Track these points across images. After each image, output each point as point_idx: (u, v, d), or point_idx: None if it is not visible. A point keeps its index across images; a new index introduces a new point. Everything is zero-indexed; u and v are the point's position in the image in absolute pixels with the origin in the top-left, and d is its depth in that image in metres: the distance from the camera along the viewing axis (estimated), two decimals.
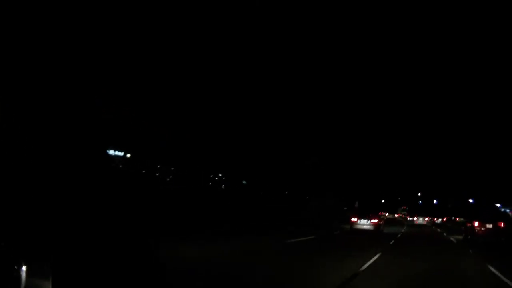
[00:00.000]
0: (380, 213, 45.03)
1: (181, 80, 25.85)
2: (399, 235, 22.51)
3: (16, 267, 2.28)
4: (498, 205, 38.21)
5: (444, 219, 73.74)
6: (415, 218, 68.11)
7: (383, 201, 78.29)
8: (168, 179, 36.49)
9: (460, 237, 25.03)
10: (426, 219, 67.97)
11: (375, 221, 25.31)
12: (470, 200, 50.05)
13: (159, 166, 37.38)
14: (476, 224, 21.52)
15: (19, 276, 2.29)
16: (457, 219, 62.10)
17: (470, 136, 38.82)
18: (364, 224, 24.84)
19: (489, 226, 20.95)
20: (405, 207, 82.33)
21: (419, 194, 79.07)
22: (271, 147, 35.44)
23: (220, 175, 43.78)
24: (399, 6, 24.48)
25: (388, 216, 64.69)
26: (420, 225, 54.92)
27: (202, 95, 27.67)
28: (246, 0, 21.78)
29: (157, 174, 36.72)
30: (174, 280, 7.30)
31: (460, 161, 45.16)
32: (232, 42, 24.95)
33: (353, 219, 25.70)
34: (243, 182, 43.86)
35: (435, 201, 76.01)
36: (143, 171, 33.56)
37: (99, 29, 17.94)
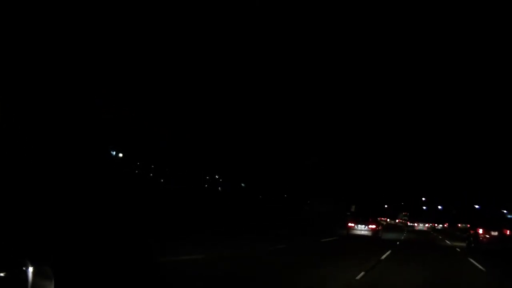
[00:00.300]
0: (379, 218, 43.84)
1: (181, 80, 25.86)
2: (385, 255, 14.98)
3: (24, 269, 2.33)
4: (505, 211, 37.06)
5: (445, 225, 73.30)
6: (416, 224, 67.93)
7: (386, 206, 77.47)
8: (162, 180, 35.85)
9: (463, 244, 23.94)
10: (427, 225, 67.56)
11: (373, 226, 24.16)
12: (476, 206, 48.36)
13: (152, 166, 36.69)
14: (480, 231, 20.50)
15: (27, 277, 2.33)
16: (459, 225, 61.40)
17: (477, 140, 38.04)
18: (362, 229, 23.77)
19: (495, 233, 19.98)
20: (406, 213, 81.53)
21: (423, 199, 77.13)
22: (271, 148, 35.37)
23: (216, 176, 42.87)
24: (399, 6, 24.50)
25: (389, 222, 64.06)
26: (421, 231, 54.35)
27: (201, 95, 27.68)
28: (246, 0, 21.79)
29: (151, 174, 36.03)
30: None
31: (466, 166, 44.00)
32: (232, 42, 24.97)
33: (349, 224, 24.55)
34: (242, 184, 42.95)
35: (439, 207, 74.28)
36: (136, 171, 32.93)
37: (99, 30, 17.94)
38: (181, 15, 21.46)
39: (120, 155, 29.69)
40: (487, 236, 20.06)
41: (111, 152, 27.09)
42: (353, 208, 41.41)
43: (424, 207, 79.72)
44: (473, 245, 21.03)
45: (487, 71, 31.41)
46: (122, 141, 26.64)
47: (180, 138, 30.18)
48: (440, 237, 37.12)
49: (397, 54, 31.63)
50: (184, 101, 27.11)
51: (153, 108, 25.79)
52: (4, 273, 2.21)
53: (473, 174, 43.89)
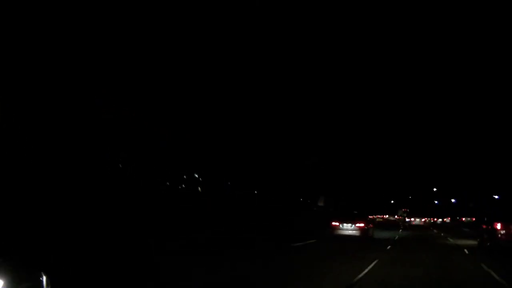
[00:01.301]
0: (377, 216, 41.13)
1: (181, 80, 25.82)
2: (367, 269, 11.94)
3: (41, 279, 2.58)
4: None
5: (445, 220, 73.02)
6: (412, 219, 69.52)
7: (392, 201, 77.12)
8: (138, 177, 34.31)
9: (474, 242, 20.26)
10: (423, 220, 69.03)
11: (361, 225, 21.85)
12: (496, 196, 43.16)
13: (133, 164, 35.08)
14: (498, 225, 16.85)
15: (43, 286, 2.57)
16: (463, 219, 60.79)
17: (493, 129, 36.23)
18: (348, 229, 21.45)
19: None
20: (405, 209, 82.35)
21: (435, 189, 73.80)
22: (269, 148, 35.21)
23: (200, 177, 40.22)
24: (399, 6, 24.49)
25: (386, 218, 64.22)
26: (419, 226, 54.52)
27: (201, 95, 27.64)
28: (246, 0, 21.80)
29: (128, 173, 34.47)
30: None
31: (481, 155, 40.94)
32: (232, 42, 24.96)
33: (333, 223, 21.98)
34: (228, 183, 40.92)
35: (453, 200, 71.34)
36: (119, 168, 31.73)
37: (99, 29, 17.94)
38: (181, 15, 21.46)
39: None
40: (507, 231, 16.50)
41: (110, 153, 26.69)
42: (321, 202, 36.67)
43: (436, 202, 78.54)
44: (488, 243, 17.51)
45: (490, 72, 31.26)
46: (122, 142, 26.44)
47: (180, 138, 30.03)
48: (442, 234, 34.90)
49: (397, 54, 31.62)
50: (184, 101, 27.09)
51: (153, 108, 25.74)
52: (30, 283, 2.50)
53: (490, 163, 40.52)
